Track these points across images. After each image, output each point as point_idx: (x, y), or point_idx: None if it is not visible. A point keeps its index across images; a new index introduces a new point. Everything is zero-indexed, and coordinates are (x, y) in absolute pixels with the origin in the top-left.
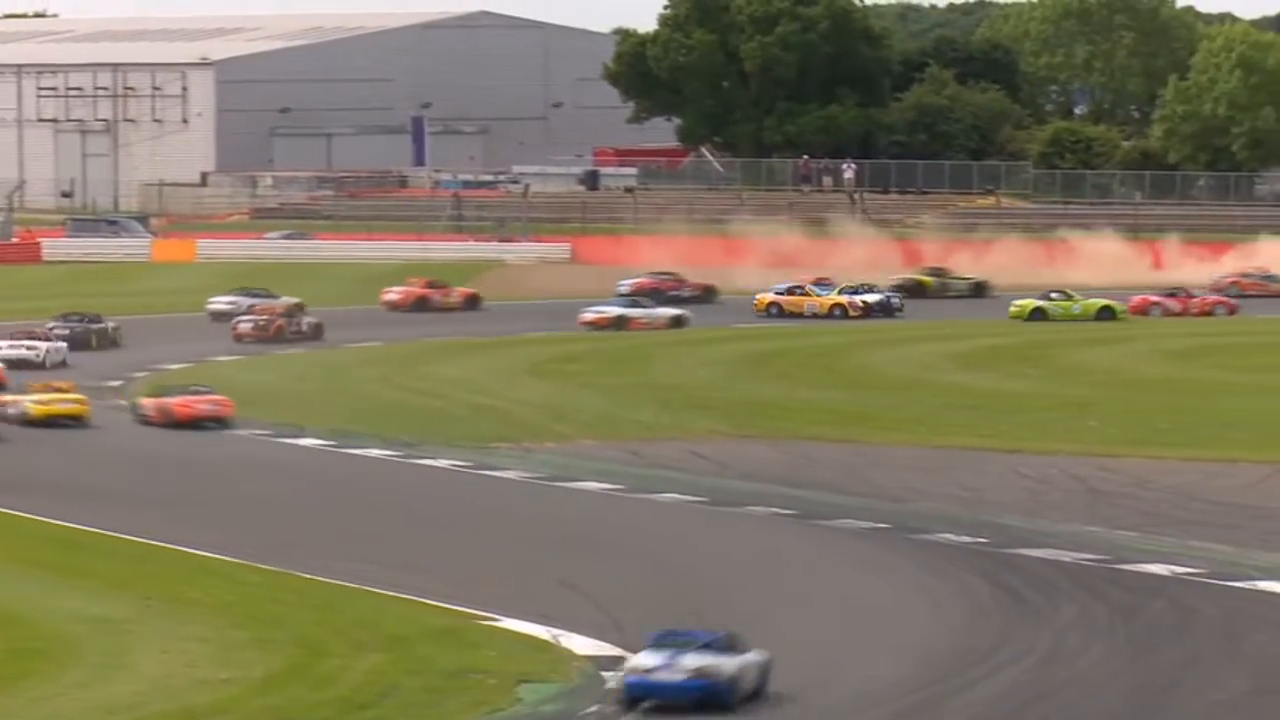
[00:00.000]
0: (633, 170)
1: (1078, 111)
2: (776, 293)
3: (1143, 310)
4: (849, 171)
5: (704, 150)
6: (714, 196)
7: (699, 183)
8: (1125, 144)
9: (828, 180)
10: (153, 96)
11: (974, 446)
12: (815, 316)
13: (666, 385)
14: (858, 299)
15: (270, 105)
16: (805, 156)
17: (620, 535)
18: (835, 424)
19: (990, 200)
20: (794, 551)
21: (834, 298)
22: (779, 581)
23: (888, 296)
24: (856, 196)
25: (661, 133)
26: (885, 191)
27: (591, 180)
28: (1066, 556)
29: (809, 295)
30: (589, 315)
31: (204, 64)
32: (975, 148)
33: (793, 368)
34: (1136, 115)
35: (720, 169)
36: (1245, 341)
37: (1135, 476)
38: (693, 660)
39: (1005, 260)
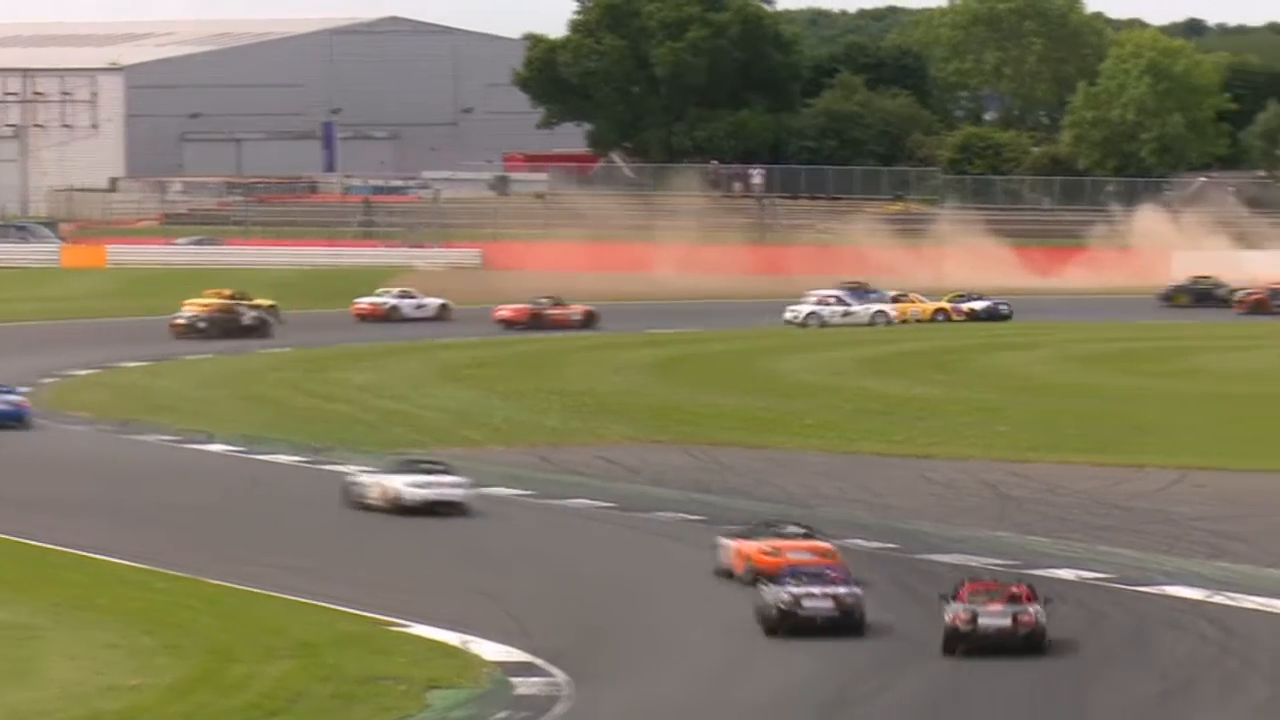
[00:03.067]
0: (543, 176)
1: (987, 117)
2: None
3: None
4: (758, 177)
5: (614, 156)
6: (624, 201)
7: (609, 188)
8: (1035, 149)
9: (738, 186)
10: (62, 102)
11: (884, 452)
12: (919, 322)
13: (577, 391)
14: (963, 306)
15: (180, 110)
16: (714, 162)
17: (530, 541)
18: (745, 429)
19: (899, 206)
20: (703, 557)
21: (939, 304)
22: (690, 586)
23: (995, 304)
24: (765, 202)
25: (572, 138)
26: (795, 197)
27: (502, 186)
28: (975, 561)
29: (913, 302)
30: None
31: (113, 69)
32: (885, 153)
33: (703, 374)
34: (1046, 121)
35: (630, 174)
36: (1152, 347)
37: (1045, 482)
38: None
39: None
